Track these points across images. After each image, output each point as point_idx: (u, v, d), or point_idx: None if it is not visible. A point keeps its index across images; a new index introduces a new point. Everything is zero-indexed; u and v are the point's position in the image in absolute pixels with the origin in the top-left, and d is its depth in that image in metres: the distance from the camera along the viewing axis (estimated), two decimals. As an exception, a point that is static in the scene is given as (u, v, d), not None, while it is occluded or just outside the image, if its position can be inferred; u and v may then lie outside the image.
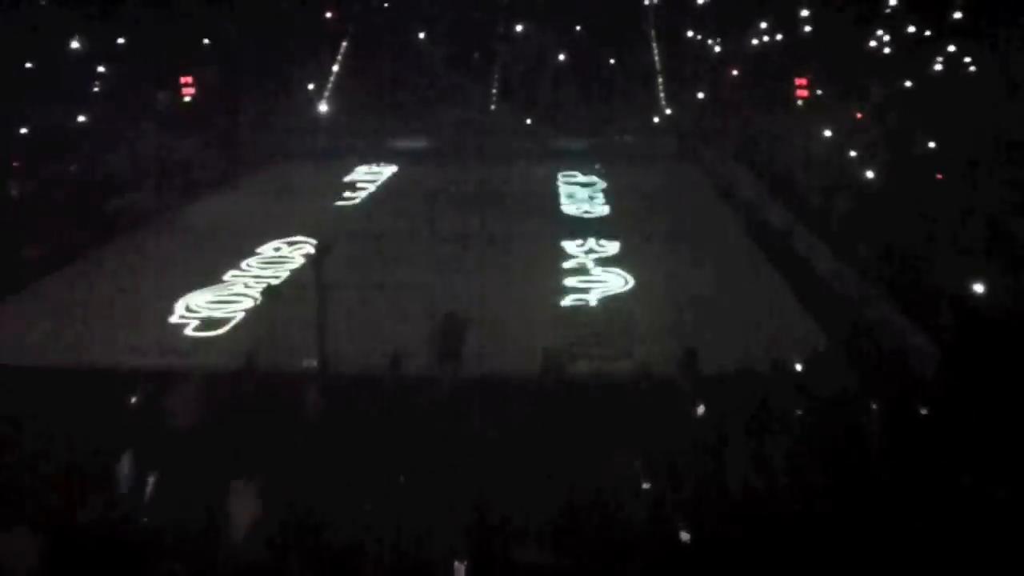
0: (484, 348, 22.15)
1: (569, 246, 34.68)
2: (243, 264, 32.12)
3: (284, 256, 33.67)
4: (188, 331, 25.86)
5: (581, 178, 49.51)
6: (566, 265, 32.36)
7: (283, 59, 62.78)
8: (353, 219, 40.75)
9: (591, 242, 35.07)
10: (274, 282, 30.23)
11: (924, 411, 17.13)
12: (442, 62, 65.51)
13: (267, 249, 34.26)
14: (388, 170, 52.87)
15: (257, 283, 30.02)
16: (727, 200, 43.08)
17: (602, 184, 47.82)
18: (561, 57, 67.85)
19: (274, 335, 22.06)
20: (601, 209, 42.02)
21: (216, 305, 27.99)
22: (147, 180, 43.94)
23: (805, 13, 63.39)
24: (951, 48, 56.13)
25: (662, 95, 65.03)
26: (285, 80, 62.57)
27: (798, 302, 27.60)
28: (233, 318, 26.80)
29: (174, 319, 26.84)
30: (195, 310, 27.59)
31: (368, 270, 30.93)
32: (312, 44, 65.52)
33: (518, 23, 70.78)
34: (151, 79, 56.83)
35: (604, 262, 32.71)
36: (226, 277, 30.48)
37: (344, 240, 33.30)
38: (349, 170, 52.20)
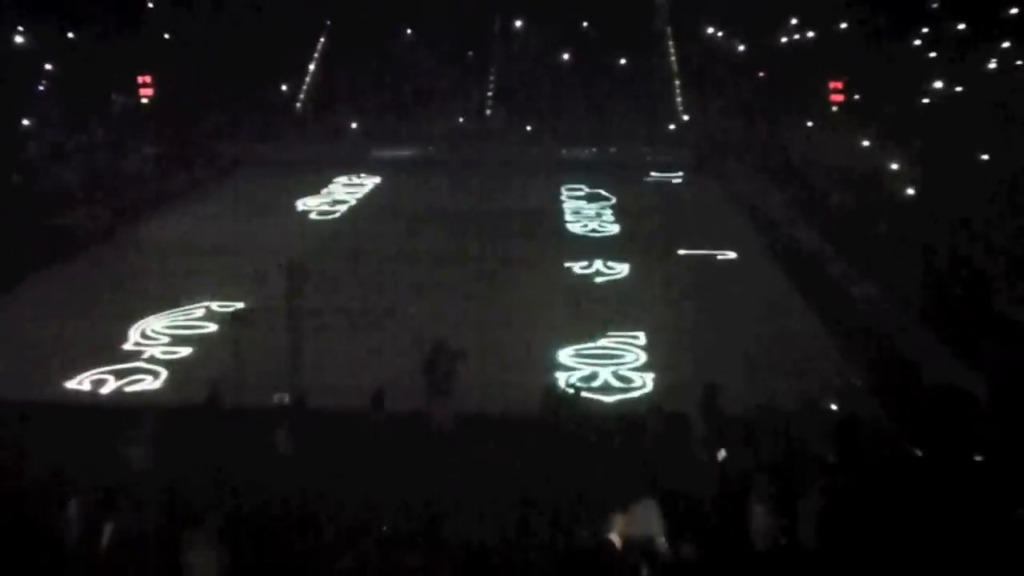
0: (478, 383, 22.14)
1: (574, 268, 34.74)
2: (202, 286, 32.08)
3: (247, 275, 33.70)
4: (144, 360, 25.77)
5: (586, 191, 49.60)
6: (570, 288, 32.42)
7: (254, 57, 62.98)
8: (331, 236, 40.73)
9: (598, 263, 35.10)
10: (239, 306, 30.13)
11: (975, 457, 17.07)
12: (431, 61, 65.76)
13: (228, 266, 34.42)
14: (370, 182, 52.96)
15: (222, 308, 29.94)
16: (750, 218, 43.05)
17: (610, 199, 47.89)
18: (565, 56, 68.10)
19: (241, 366, 21.96)
20: (610, 228, 42.07)
21: (174, 331, 27.94)
22: (99, 193, 43.87)
23: (839, 8, 63.70)
24: (1005, 45, 56.19)
25: (679, 99, 65.24)
26: (256, 80, 62.72)
27: (830, 334, 27.54)
28: (194, 347, 26.72)
29: (128, 346, 26.78)
30: (152, 336, 27.52)
31: (348, 294, 30.88)
32: (287, 40, 65.83)
33: (517, 18, 71.09)
34: (106, 78, 56.98)
35: (612, 286, 32.73)
36: (184, 301, 30.40)
37: (320, 260, 33.39)
38: (326, 181, 52.21)
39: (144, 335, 27.59)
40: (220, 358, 23.51)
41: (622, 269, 34.68)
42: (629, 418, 20.64)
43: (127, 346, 26.78)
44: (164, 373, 24.91)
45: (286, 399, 21.07)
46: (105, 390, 23.88)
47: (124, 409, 21.01)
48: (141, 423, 18.41)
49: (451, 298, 30.96)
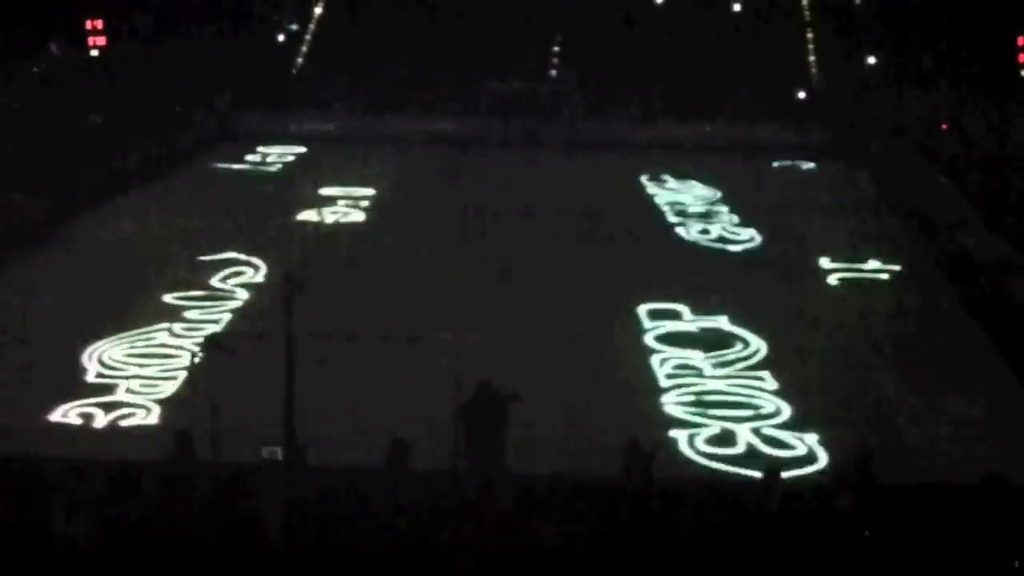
0: (535, 435, 22.04)
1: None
2: (161, 299, 32.44)
3: (220, 289, 34.03)
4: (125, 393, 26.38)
5: (687, 183, 49.49)
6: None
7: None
8: (337, 240, 40.79)
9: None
10: (215, 329, 30.23)
11: None
12: (481, 6, 65.83)
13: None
14: (391, 166, 53.01)
15: (189, 330, 30.08)
16: (911, 222, 42.73)
17: (714, 192, 47.79)
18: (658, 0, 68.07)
19: (219, 408, 22.00)
20: (742, 234, 41.99)
21: (137, 360, 28.20)
22: (29, 176, 43.99)
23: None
24: None
25: (812, 58, 64.91)
26: (244, 27, 63.09)
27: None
28: (169, 380, 26.97)
29: (91, 378, 27.20)
30: (112, 366, 27.82)
31: (361, 316, 30.89)
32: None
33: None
34: (37, 22, 57.28)
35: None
36: (140, 321, 30.71)
37: (326, 268, 33.45)
38: (335, 164, 52.41)
39: (103, 363, 27.95)
40: (193, 396, 23.69)
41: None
42: (739, 491, 20.50)
43: (90, 378, 27.19)
44: (155, 409, 25.58)
45: (278, 454, 20.99)
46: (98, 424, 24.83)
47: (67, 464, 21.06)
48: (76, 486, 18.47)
49: (500, 322, 30.91)
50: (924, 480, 20.79)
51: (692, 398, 26.43)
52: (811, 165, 54.63)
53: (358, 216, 44.92)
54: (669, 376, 27.92)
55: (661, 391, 27.04)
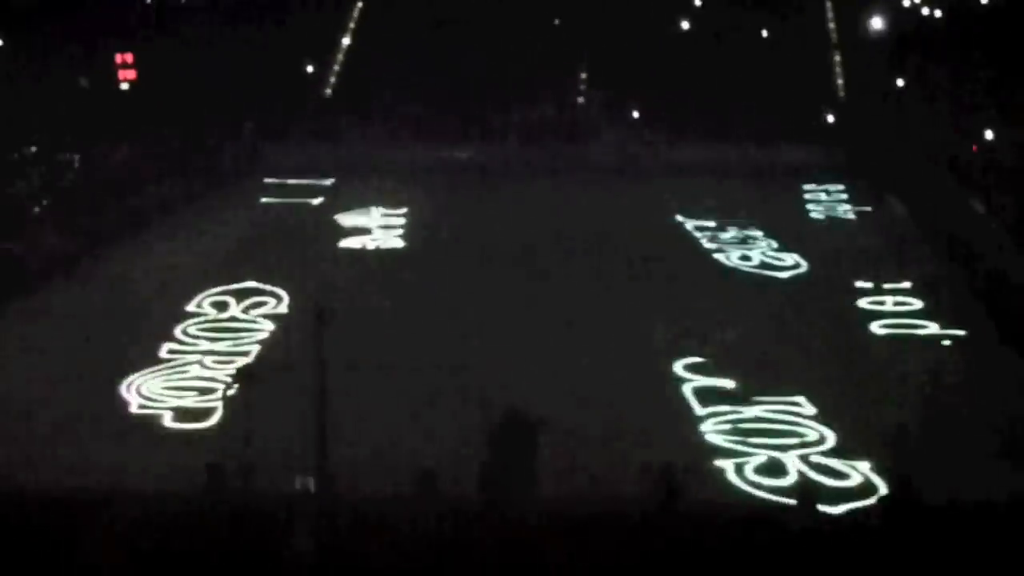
0: (563, 463, 22.07)
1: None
2: (180, 332, 32.68)
3: (241, 319, 34.25)
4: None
5: (715, 208, 49.28)
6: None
7: (270, 28, 63.51)
8: (366, 270, 40.87)
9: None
10: (245, 360, 30.38)
11: None
12: (505, 30, 65.83)
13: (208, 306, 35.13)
14: (419, 195, 52.99)
15: (218, 363, 30.23)
16: (947, 253, 42.46)
17: (750, 220, 47.61)
18: (684, 24, 67.95)
19: (250, 439, 22.07)
20: (786, 259, 42.10)
21: (175, 393, 28.43)
22: (58, 209, 44.10)
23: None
24: None
25: (839, 81, 64.73)
26: (271, 58, 63.17)
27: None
28: (209, 411, 27.13)
29: (135, 409, 27.41)
30: (155, 398, 28.11)
31: (390, 346, 30.95)
32: (312, 4, 66.41)
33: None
34: (70, 55, 57.51)
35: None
36: (164, 354, 30.93)
37: (356, 299, 33.62)
38: (364, 194, 52.64)
39: (143, 395, 28.21)
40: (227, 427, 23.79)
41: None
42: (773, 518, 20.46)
43: (134, 409, 27.42)
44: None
45: (311, 484, 21.06)
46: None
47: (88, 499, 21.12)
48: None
49: (529, 350, 30.90)
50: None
51: (729, 426, 26.33)
52: (840, 191, 54.15)
53: (391, 243, 45.14)
54: (704, 404, 27.86)
55: (699, 419, 26.96)
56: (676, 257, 42.59)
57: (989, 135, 51.88)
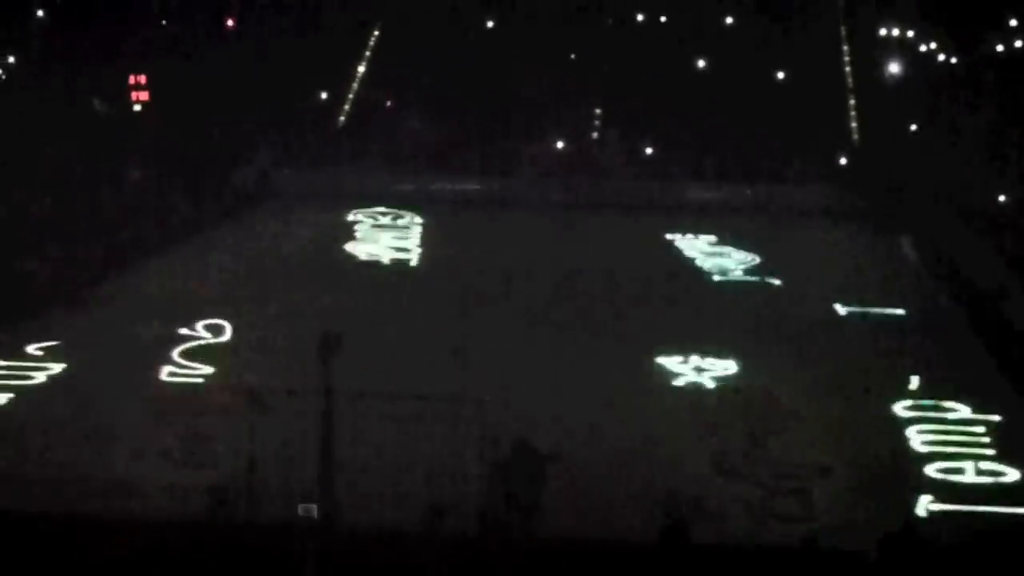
0: (571, 496, 21.98)
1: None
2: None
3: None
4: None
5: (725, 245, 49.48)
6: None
7: (284, 54, 63.65)
8: (374, 296, 40.91)
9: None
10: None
11: None
12: (519, 65, 65.95)
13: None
14: (435, 226, 53.17)
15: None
16: (953, 288, 42.49)
17: (753, 256, 47.78)
18: (701, 63, 68.06)
19: (254, 467, 21.96)
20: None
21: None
22: (68, 235, 43.85)
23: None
24: None
25: (854, 124, 64.76)
26: (287, 85, 63.33)
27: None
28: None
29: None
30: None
31: (400, 374, 30.86)
32: (328, 33, 66.52)
33: (636, 9, 71.21)
34: (81, 76, 57.61)
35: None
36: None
37: (364, 329, 33.45)
38: (377, 223, 52.83)
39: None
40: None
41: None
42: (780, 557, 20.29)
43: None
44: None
45: (314, 512, 20.93)
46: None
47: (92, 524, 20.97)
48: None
49: (543, 385, 30.89)
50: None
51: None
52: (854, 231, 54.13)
53: (399, 272, 45.24)
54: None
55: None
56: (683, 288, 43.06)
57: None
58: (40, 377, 31.31)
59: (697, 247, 50.00)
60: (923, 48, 68.29)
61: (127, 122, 55.76)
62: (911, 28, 68.82)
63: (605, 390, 30.78)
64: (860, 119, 64.85)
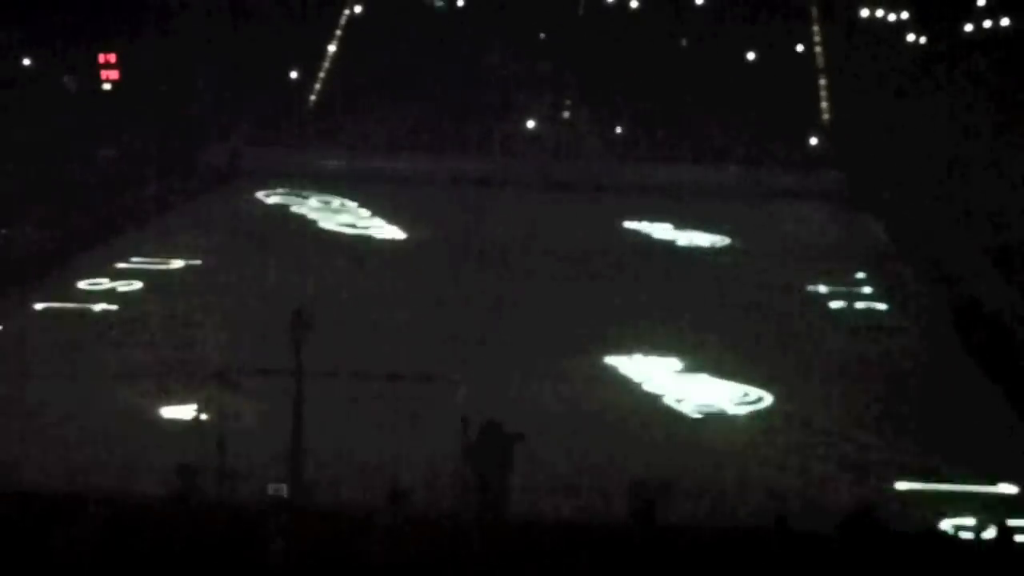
0: (540, 477, 22.07)
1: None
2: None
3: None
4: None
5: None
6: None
7: (256, 33, 63.53)
8: (343, 278, 40.88)
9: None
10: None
11: None
12: (490, 44, 65.92)
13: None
14: (404, 204, 53.07)
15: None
16: (921, 269, 42.68)
17: (721, 238, 48.02)
18: (675, 44, 68.02)
19: (225, 445, 21.99)
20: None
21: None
22: (30, 213, 43.66)
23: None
24: None
25: (825, 104, 64.87)
26: (259, 65, 63.20)
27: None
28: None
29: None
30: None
31: (370, 355, 30.91)
32: (298, 11, 66.42)
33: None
34: (52, 54, 57.35)
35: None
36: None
37: (336, 308, 33.55)
38: (343, 202, 52.82)
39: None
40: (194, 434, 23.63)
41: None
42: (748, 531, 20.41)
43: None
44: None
45: (284, 491, 20.99)
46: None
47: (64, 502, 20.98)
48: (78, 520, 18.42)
49: (511, 365, 30.85)
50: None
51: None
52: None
53: (371, 251, 45.38)
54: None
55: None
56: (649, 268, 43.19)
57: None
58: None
59: (659, 230, 50.07)
60: (895, 29, 68.32)
61: (97, 100, 55.51)
62: (884, 9, 68.87)
63: (565, 373, 30.82)
64: (832, 101, 64.90)
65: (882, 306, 39.14)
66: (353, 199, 53.94)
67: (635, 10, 69.65)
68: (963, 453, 25.64)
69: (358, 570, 18.01)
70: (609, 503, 21.39)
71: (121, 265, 41.15)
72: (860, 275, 42.99)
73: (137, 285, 38.80)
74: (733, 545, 19.61)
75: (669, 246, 47.75)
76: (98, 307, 36.23)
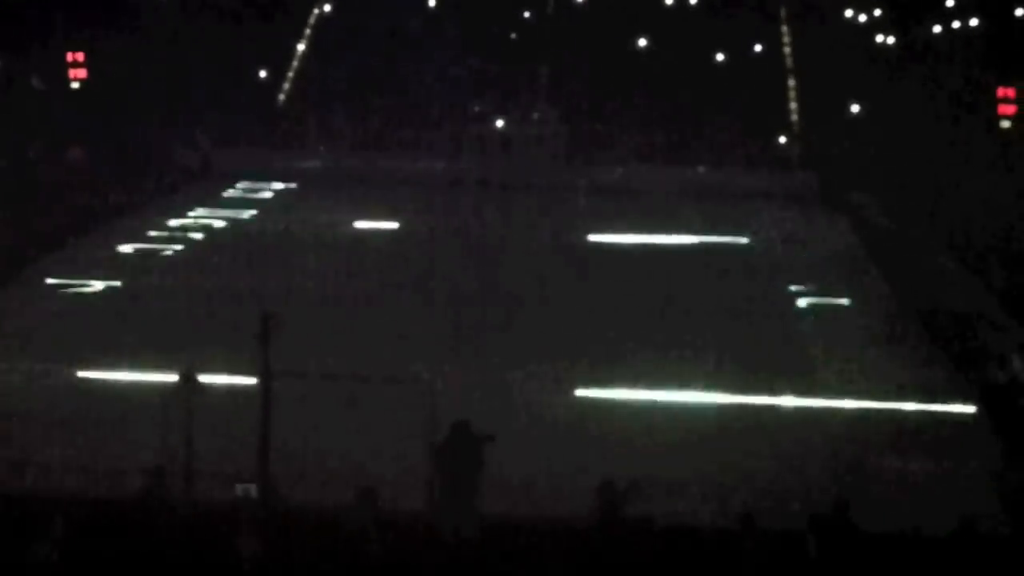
0: (509, 477, 21.98)
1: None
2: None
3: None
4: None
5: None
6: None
7: (224, 32, 63.49)
8: (312, 278, 40.82)
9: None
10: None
11: None
12: (460, 42, 65.99)
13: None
14: (376, 203, 53.10)
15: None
16: (891, 270, 42.85)
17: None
18: (642, 41, 68.14)
19: (192, 445, 21.89)
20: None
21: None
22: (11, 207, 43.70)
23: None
24: None
25: (793, 106, 65.03)
26: (227, 64, 63.15)
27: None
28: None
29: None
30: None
31: (339, 355, 30.82)
32: (268, 10, 66.41)
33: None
34: (17, 53, 57.27)
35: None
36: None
37: (306, 308, 33.58)
38: (319, 200, 52.81)
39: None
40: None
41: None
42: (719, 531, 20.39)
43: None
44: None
45: (252, 491, 20.91)
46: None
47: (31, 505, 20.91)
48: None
49: (485, 362, 30.91)
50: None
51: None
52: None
53: (336, 251, 45.13)
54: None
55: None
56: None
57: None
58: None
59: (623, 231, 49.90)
60: (865, 30, 68.68)
61: (66, 99, 55.43)
62: (853, 10, 69.24)
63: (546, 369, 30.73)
64: (801, 102, 65.12)
65: (844, 301, 39.29)
66: (321, 197, 53.75)
67: (605, 11, 69.71)
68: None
69: (327, 568, 17.97)
70: (579, 502, 21.29)
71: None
72: (827, 273, 43.10)
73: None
74: (698, 542, 19.64)
75: (632, 248, 47.48)
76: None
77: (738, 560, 18.77)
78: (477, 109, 63.52)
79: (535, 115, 64.85)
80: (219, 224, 49.14)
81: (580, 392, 29.32)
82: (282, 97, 66.12)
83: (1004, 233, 42.36)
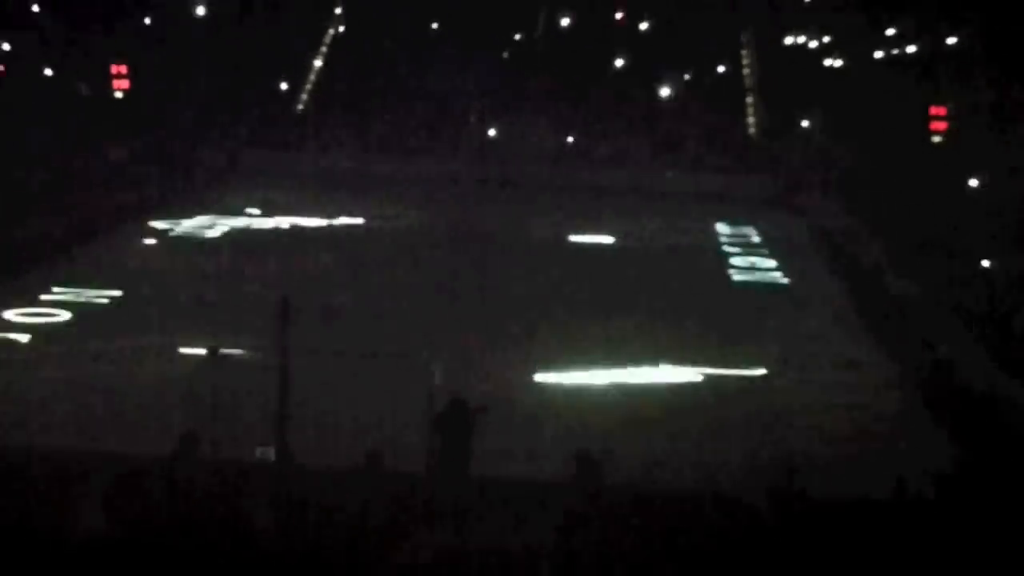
0: (501, 445, 21.99)
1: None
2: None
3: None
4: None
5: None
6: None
7: (250, 46, 63.50)
8: (332, 264, 40.78)
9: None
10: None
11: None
12: (458, 59, 66.07)
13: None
14: (385, 201, 53.06)
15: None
16: (838, 264, 42.89)
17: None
18: (619, 62, 68.18)
19: (217, 415, 21.83)
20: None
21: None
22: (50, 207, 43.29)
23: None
24: None
25: (751, 119, 65.18)
26: (252, 74, 63.19)
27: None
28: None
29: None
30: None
31: (352, 333, 30.77)
32: (287, 25, 66.45)
33: (564, 14, 71.28)
34: (68, 64, 57.31)
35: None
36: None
37: (321, 291, 33.58)
38: (323, 198, 52.86)
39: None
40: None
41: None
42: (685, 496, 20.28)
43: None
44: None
45: (270, 454, 20.90)
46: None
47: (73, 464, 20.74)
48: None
49: (487, 341, 30.82)
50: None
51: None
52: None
53: (351, 244, 44.98)
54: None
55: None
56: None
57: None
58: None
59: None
60: (816, 54, 68.97)
61: (110, 107, 55.54)
62: (806, 36, 69.49)
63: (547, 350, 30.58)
64: (758, 116, 65.23)
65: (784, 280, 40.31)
66: (332, 196, 53.71)
67: (587, 34, 69.90)
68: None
69: (335, 521, 17.89)
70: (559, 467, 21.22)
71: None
72: (773, 261, 43.56)
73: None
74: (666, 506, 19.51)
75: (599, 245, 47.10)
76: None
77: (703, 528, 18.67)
78: (473, 119, 63.39)
79: (527, 124, 65.02)
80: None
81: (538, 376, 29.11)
82: (300, 106, 66.16)
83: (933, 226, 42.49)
